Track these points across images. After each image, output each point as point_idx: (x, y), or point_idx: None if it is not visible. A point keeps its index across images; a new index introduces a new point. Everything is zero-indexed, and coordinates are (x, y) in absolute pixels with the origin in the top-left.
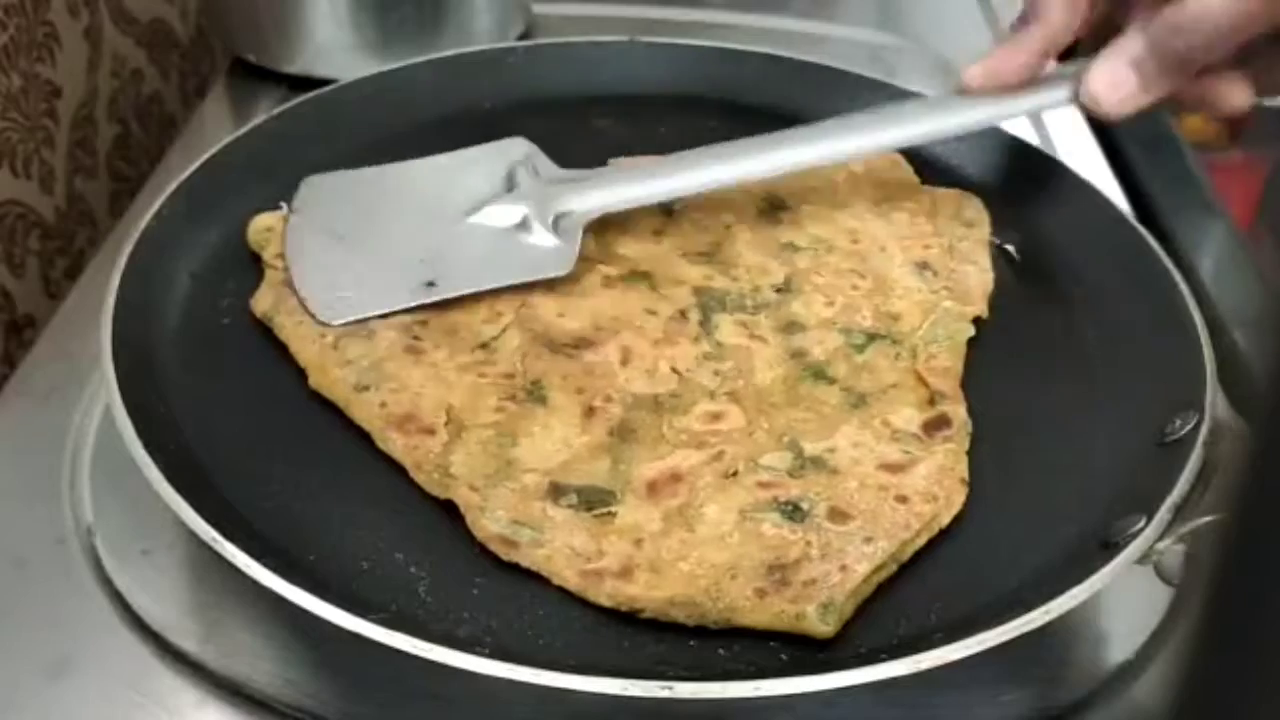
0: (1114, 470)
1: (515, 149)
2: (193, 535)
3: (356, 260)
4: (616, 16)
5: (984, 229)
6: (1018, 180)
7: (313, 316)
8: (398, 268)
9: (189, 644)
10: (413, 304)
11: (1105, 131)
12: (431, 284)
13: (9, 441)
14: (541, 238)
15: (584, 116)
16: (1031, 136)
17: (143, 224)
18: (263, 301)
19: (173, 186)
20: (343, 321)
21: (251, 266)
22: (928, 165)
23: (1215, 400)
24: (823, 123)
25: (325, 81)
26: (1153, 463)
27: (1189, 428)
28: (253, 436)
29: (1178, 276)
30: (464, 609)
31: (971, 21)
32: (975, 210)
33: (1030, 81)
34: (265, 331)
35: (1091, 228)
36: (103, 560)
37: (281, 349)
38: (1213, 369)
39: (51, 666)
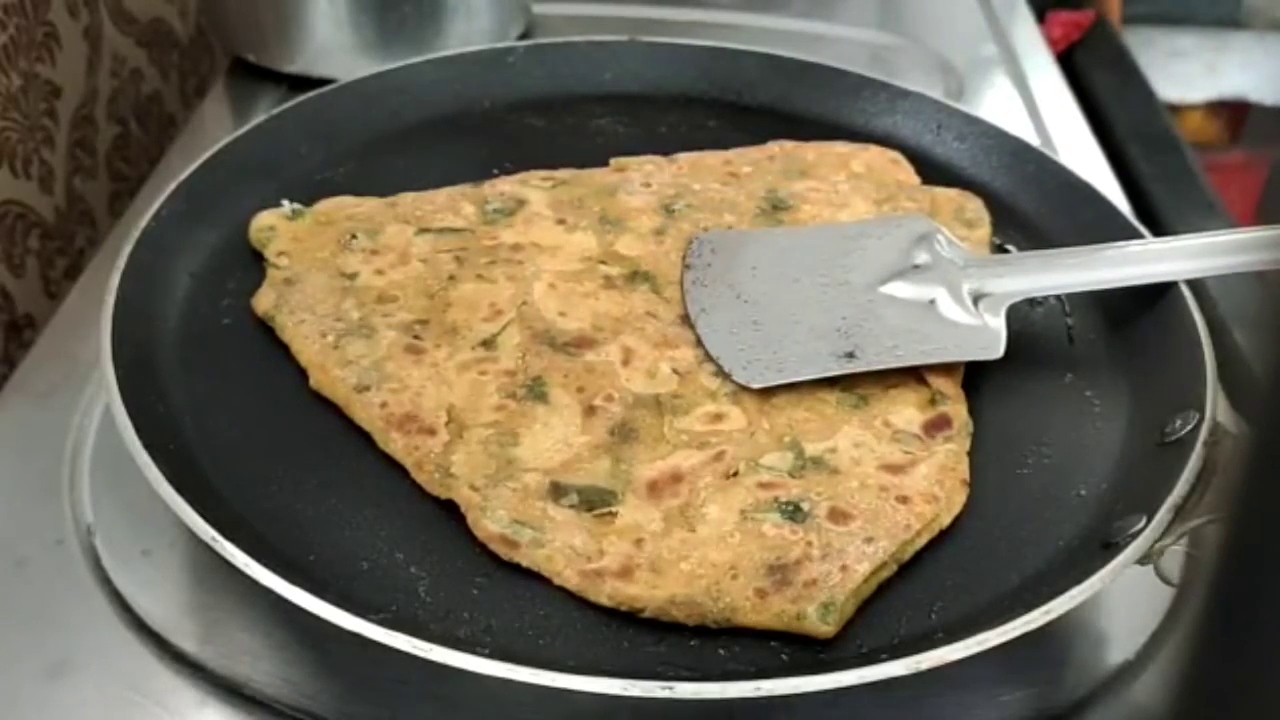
0: (1114, 470)
1: (917, 225)
2: (193, 535)
3: (768, 323)
4: (616, 16)
5: (985, 229)
6: (1018, 180)
7: (726, 376)
8: (814, 334)
9: (189, 644)
10: (834, 373)
11: (1105, 131)
12: (851, 355)
13: (9, 441)
14: (961, 315)
15: (584, 116)
16: (1032, 136)
17: (142, 224)
18: (264, 300)
19: (172, 186)
20: (764, 385)
21: (252, 266)
22: (928, 165)
23: (1215, 400)
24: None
25: (325, 81)
26: (1153, 463)
27: (1189, 428)
28: (253, 436)
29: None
30: (464, 609)
31: (971, 21)
32: (976, 210)
33: None
34: (265, 331)
35: (1091, 227)
36: (102, 560)
37: (282, 349)
38: (1213, 369)
39: (51, 667)
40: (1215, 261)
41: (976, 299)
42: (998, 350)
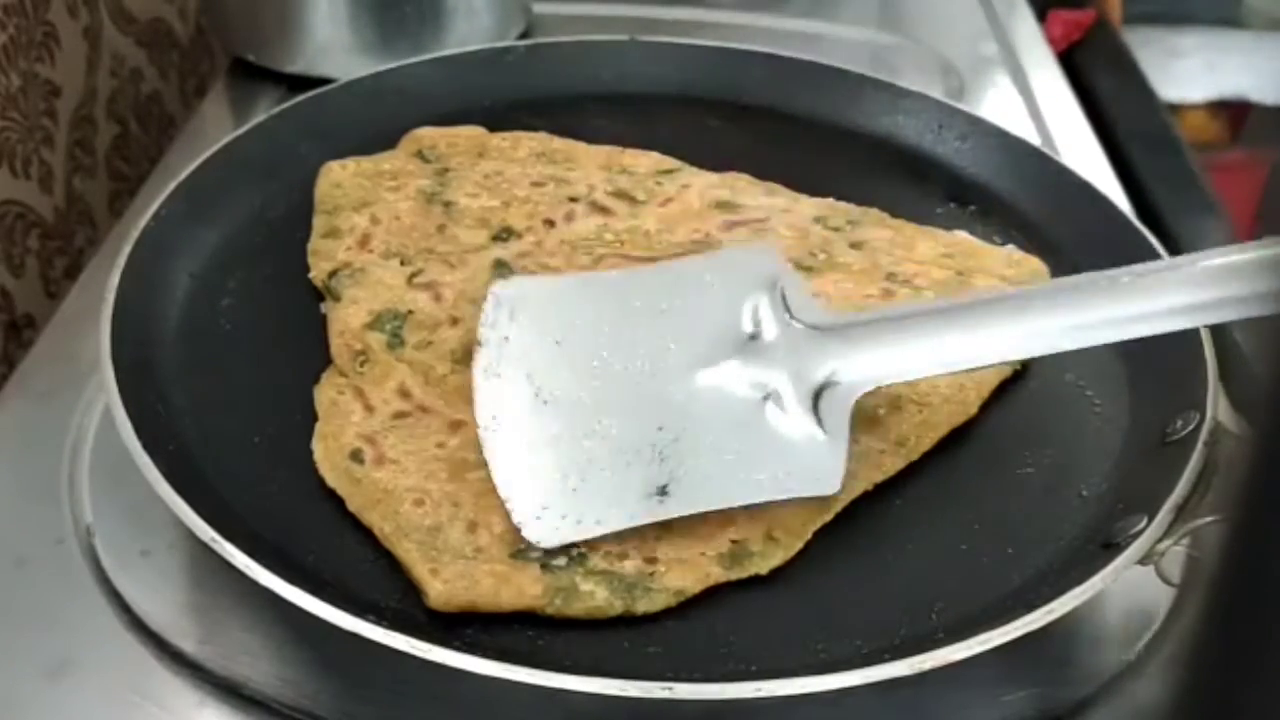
0: (1114, 470)
1: (761, 266)
2: (192, 535)
3: (568, 442)
4: (616, 16)
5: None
6: (1018, 180)
7: (518, 530)
8: (622, 460)
9: (189, 644)
10: (646, 520)
11: (1105, 131)
12: (664, 490)
13: (9, 441)
14: (798, 425)
15: (584, 116)
16: (1032, 136)
17: (142, 224)
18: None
19: (172, 186)
20: (561, 543)
21: (252, 266)
22: (929, 165)
23: (1215, 400)
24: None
25: (325, 81)
26: (1153, 463)
27: (1190, 428)
28: (252, 437)
29: None
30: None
31: (972, 21)
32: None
33: None
34: (265, 332)
35: (1091, 228)
36: (102, 561)
37: (282, 349)
38: (1213, 369)
39: (51, 667)
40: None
41: (819, 392)
42: (834, 484)
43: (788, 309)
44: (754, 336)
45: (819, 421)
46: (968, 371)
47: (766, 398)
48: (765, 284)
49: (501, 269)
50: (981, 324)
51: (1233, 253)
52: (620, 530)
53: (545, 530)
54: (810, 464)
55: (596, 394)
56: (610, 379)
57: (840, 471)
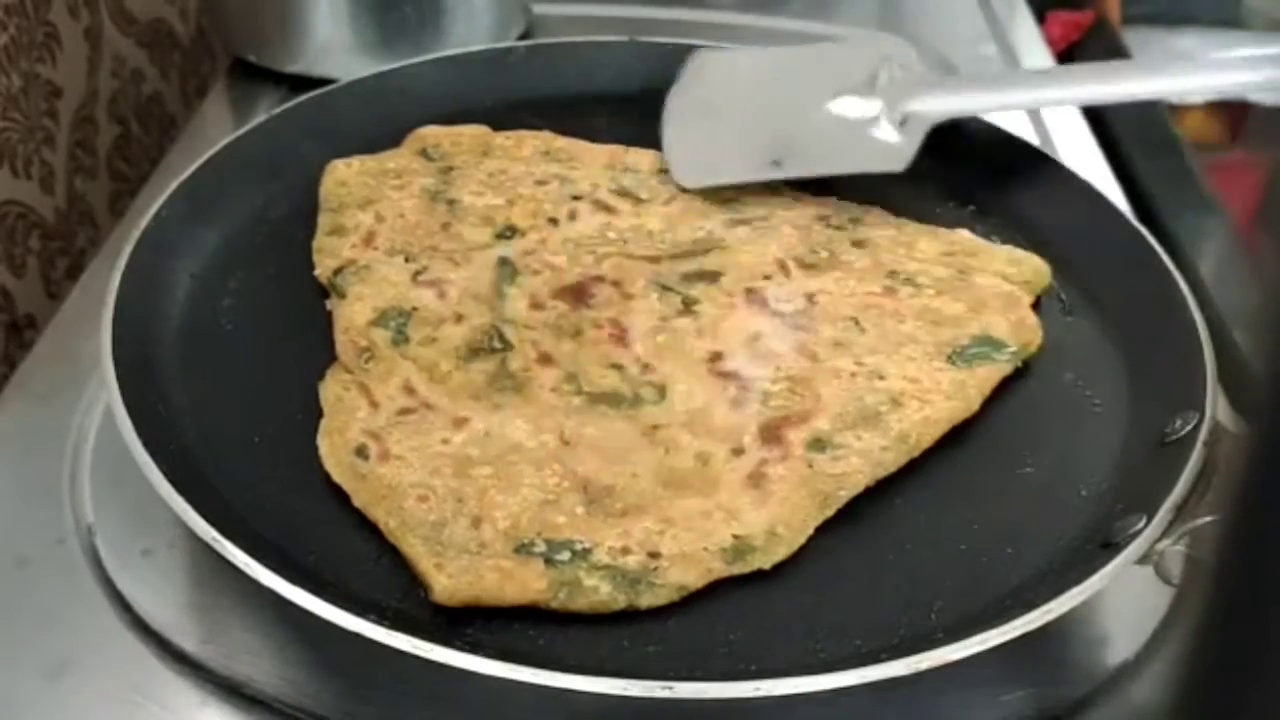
0: (1114, 470)
1: (889, 45)
2: (193, 535)
3: (722, 133)
4: (616, 16)
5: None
6: (1018, 180)
7: (672, 178)
8: (754, 145)
9: (189, 644)
10: (760, 178)
11: (1105, 131)
12: (777, 163)
13: (9, 441)
14: (887, 133)
15: (584, 116)
16: (1032, 136)
17: (143, 224)
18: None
19: (173, 186)
20: (695, 185)
21: (252, 266)
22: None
23: (1215, 400)
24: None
25: (325, 81)
26: (1153, 463)
27: (1189, 428)
28: (253, 436)
29: (1178, 276)
30: (463, 609)
31: (971, 21)
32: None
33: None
34: (265, 332)
35: (1091, 228)
36: (103, 560)
37: (283, 349)
38: (1213, 369)
39: (52, 667)
40: (1140, 86)
41: (905, 119)
42: (901, 164)
43: (900, 70)
44: (873, 83)
45: (900, 134)
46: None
47: (873, 119)
48: (888, 57)
49: (505, 267)
50: (1036, 84)
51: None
52: (748, 180)
53: (688, 176)
54: (887, 154)
55: (748, 109)
56: (760, 103)
57: (906, 160)
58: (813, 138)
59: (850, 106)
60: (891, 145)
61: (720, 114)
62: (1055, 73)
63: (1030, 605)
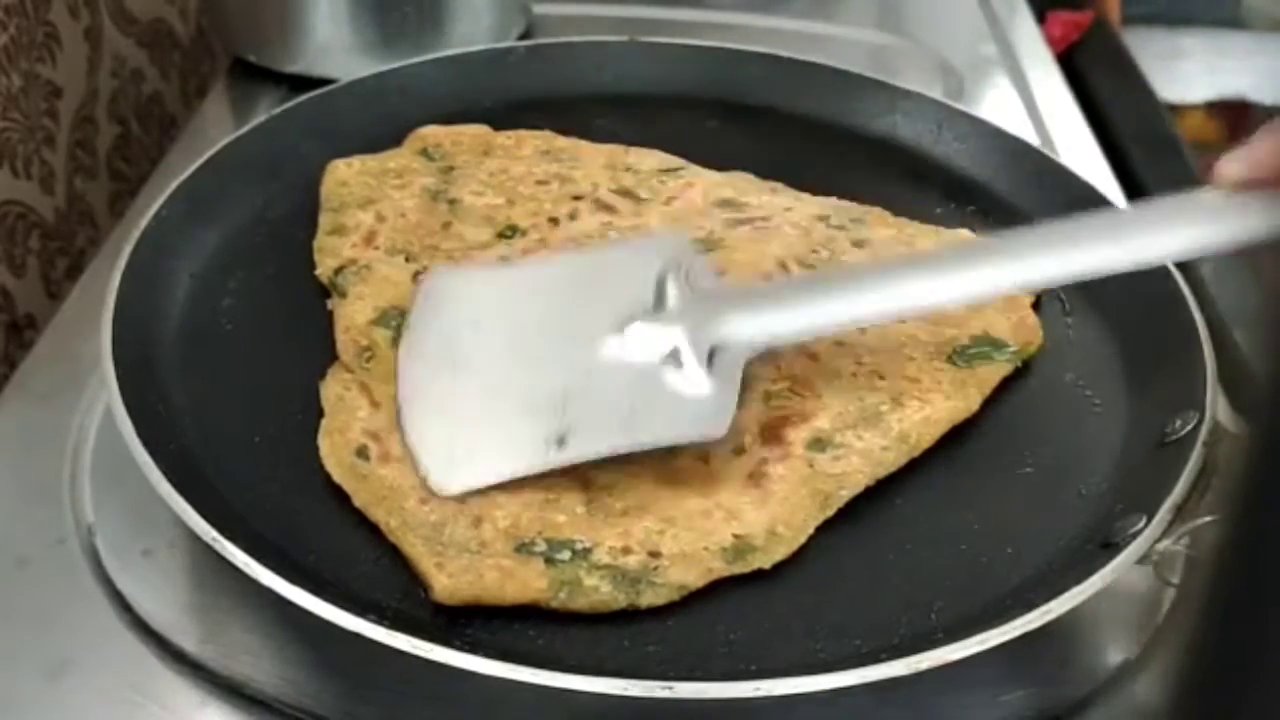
0: (1114, 470)
1: (668, 248)
2: (193, 535)
3: (477, 400)
4: (616, 16)
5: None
6: (1018, 180)
7: (422, 480)
8: (524, 417)
9: (189, 644)
10: (541, 468)
11: (1105, 132)
12: (562, 440)
13: (9, 441)
14: (693, 379)
15: (584, 116)
16: (1032, 137)
17: (143, 224)
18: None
19: (173, 187)
20: (460, 491)
21: (252, 266)
22: (928, 165)
23: (1215, 400)
24: (1018, 235)
25: (325, 81)
26: (1153, 463)
27: (1189, 428)
28: (253, 436)
29: (1178, 276)
30: (463, 609)
31: (971, 21)
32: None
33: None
34: (265, 332)
35: None
36: (103, 560)
37: (282, 349)
38: (1213, 369)
39: (52, 667)
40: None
41: (714, 352)
42: (720, 429)
43: (690, 284)
44: (658, 307)
45: (711, 378)
46: (850, 328)
47: (666, 360)
48: (672, 264)
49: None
50: (858, 288)
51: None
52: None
53: (449, 478)
54: (701, 412)
55: (507, 361)
56: (522, 348)
57: (727, 418)
58: (600, 396)
59: (640, 341)
60: (704, 401)
61: (470, 373)
62: (895, 269)
63: (1030, 605)
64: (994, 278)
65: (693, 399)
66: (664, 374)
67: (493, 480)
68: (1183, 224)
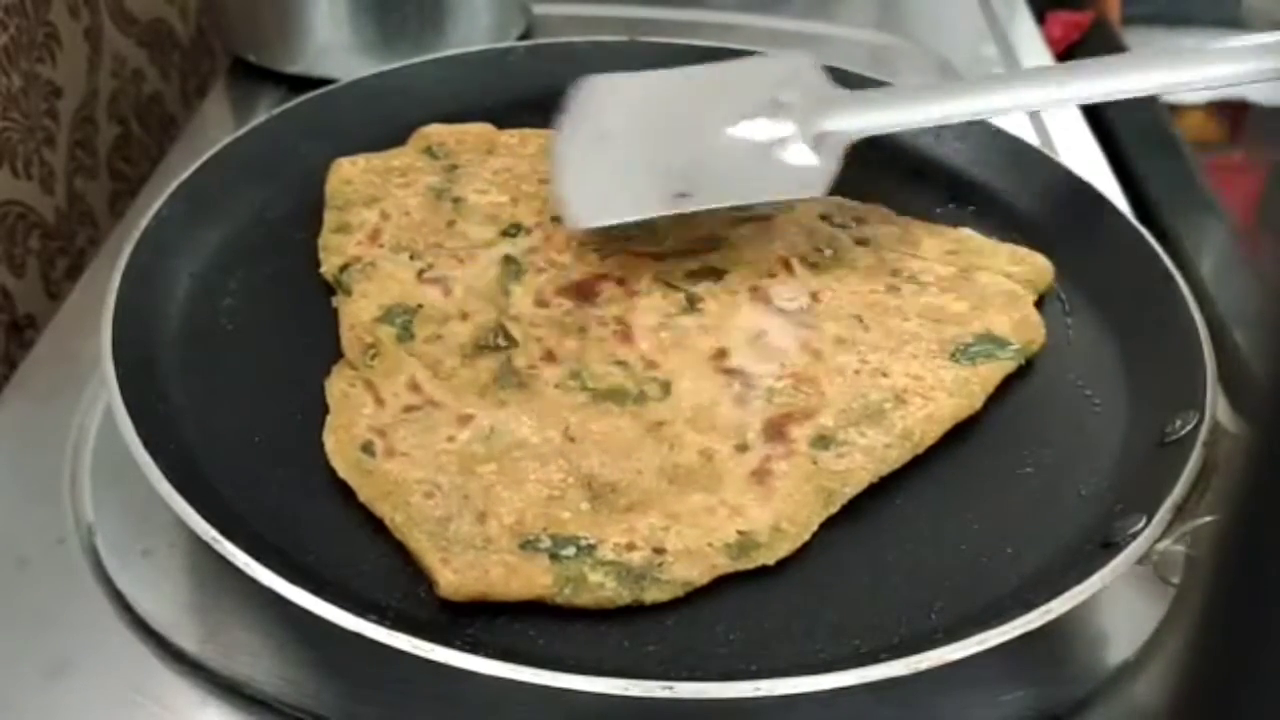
0: (1114, 470)
1: (793, 62)
2: (193, 535)
3: (618, 165)
4: (616, 16)
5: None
6: (1018, 180)
7: (566, 220)
8: (655, 176)
9: (189, 644)
10: (664, 213)
11: (1105, 131)
12: (683, 195)
13: (9, 441)
14: (801, 156)
15: None
16: (1031, 137)
17: (143, 224)
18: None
19: (173, 186)
20: (593, 225)
21: (252, 266)
22: (929, 165)
23: (1215, 400)
24: (1104, 60)
25: (325, 81)
26: (1153, 463)
27: (1189, 428)
28: (253, 436)
29: (1178, 276)
30: (464, 608)
31: (971, 21)
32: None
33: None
34: (265, 332)
35: (1092, 228)
36: (103, 560)
37: (283, 349)
38: (1213, 369)
39: (51, 666)
40: (1062, 91)
41: (820, 139)
42: (819, 189)
43: (804, 91)
44: (779, 104)
45: (816, 155)
46: (943, 122)
47: (781, 141)
48: (791, 74)
49: (510, 265)
50: (956, 95)
51: None
52: (644, 219)
53: (586, 215)
54: (805, 178)
55: (645, 140)
56: (657, 131)
57: (826, 184)
58: (720, 165)
59: (758, 129)
60: (808, 168)
61: (615, 145)
62: (986, 81)
63: (1030, 605)
64: (1043, 94)
65: (798, 167)
66: (776, 151)
67: (622, 219)
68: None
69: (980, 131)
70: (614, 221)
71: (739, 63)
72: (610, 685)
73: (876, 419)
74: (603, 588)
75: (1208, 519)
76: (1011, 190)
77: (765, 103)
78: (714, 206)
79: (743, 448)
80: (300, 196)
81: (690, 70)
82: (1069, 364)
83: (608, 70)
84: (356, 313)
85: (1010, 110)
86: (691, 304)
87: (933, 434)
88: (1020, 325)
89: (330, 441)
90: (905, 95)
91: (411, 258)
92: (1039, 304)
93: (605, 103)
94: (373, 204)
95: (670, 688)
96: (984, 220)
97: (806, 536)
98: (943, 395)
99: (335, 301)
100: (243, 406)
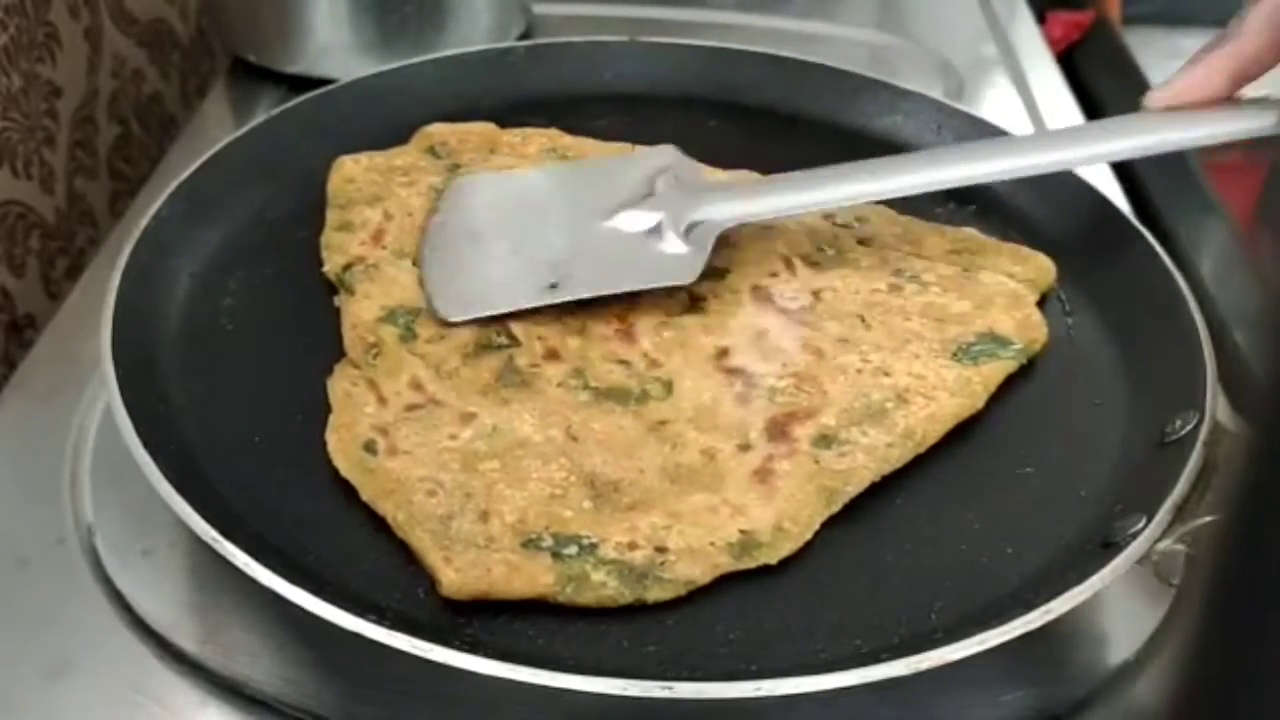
0: (1114, 470)
1: (663, 156)
2: (193, 535)
3: (487, 260)
4: (616, 16)
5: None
6: (1018, 180)
7: (434, 312)
8: (525, 268)
9: (189, 644)
10: (533, 305)
11: None
12: (554, 286)
13: (9, 441)
14: (672, 245)
15: (584, 116)
16: None
17: (143, 224)
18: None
19: (173, 187)
20: (462, 319)
21: (252, 266)
22: None
23: (1215, 400)
24: (973, 144)
25: (325, 81)
26: (1153, 463)
27: (1189, 428)
28: (253, 436)
29: (1178, 276)
30: (464, 609)
31: (971, 21)
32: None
33: (1218, 105)
34: (265, 332)
35: (1092, 228)
36: (103, 560)
37: (283, 349)
38: (1213, 369)
39: (51, 666)
40: (941, 175)
41: (691, 228)
42: (690, 276)
43: (677, 181)
44: (648, 197)
45: (687, 244)
46: (818, 211)
47: (651, 232)
48: (663, 168)
49: None
50: (823, 183)
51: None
52: (521, 310)
53: (459, 307)
54: (674, 266)
55: (514, 233)
56: (529, 224)
57: (696, 271)
58: (591, 256)
59: (629, 221)
60: (678, 257)
61: (486, 240)
62: (859, 167)
63: (1030, 605)
64: (935, 176)
65: (669, 255)
66: (648, 241)
67: (491, 311)
68: (1119, 135)
69: (980, 132)
70: (483, 314)
71: (609, 159)
72: (610, 685)
73: (878, 418)
74: (605, 586)
75: (1208, 519)
76: (1011, 190)
77: (637, 196)
78: (585, 295)
79: (745, 447)
80: (300, 196)
81: (561, 168)
82: (1069, 364)
83: (608, 69)
84: (359, 312)
85: (891, 194)
86: (694, 303)
87: (935, 433)
88: (1022, 325)
89: (333, 440)
90: (775, 185)
91: (414, 263)
92: (1040, 304)
93: (477, 200)
94: (376, 203)
95: (670, 688)
96: (984, 220)
97: (809, 536)
98: (945, 395)
99: (337, 300)
100: (243, 406)
